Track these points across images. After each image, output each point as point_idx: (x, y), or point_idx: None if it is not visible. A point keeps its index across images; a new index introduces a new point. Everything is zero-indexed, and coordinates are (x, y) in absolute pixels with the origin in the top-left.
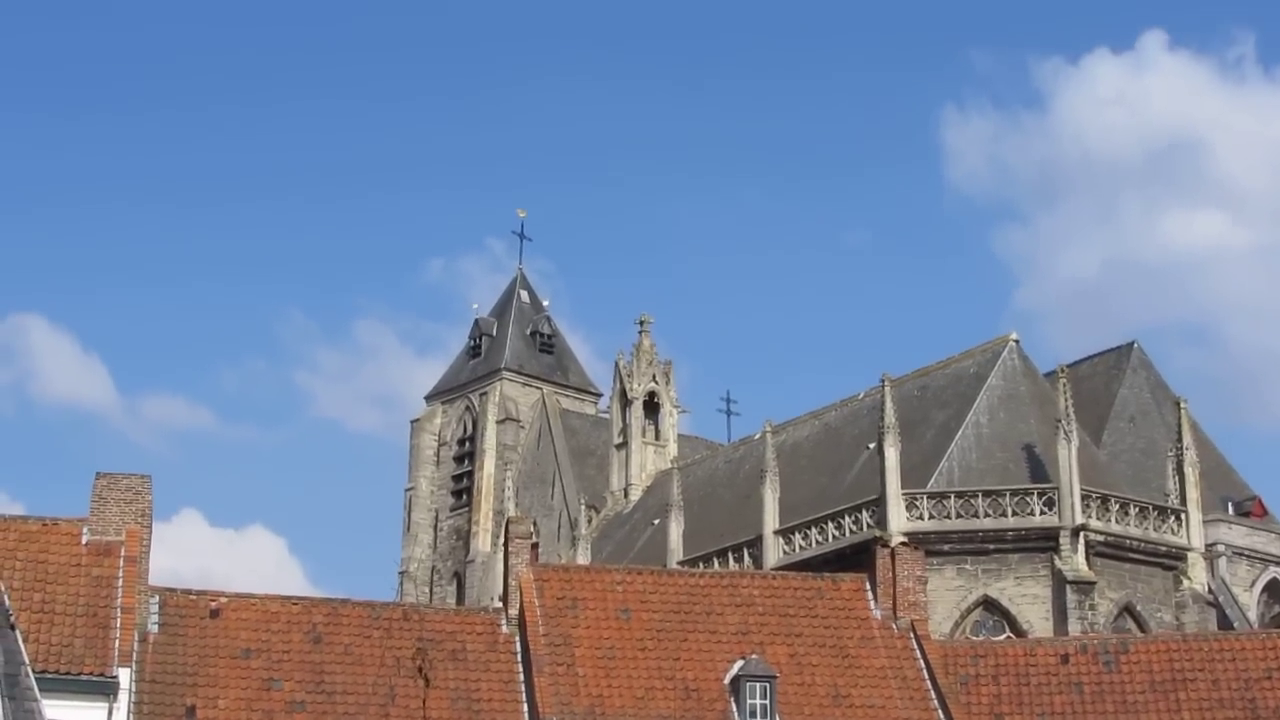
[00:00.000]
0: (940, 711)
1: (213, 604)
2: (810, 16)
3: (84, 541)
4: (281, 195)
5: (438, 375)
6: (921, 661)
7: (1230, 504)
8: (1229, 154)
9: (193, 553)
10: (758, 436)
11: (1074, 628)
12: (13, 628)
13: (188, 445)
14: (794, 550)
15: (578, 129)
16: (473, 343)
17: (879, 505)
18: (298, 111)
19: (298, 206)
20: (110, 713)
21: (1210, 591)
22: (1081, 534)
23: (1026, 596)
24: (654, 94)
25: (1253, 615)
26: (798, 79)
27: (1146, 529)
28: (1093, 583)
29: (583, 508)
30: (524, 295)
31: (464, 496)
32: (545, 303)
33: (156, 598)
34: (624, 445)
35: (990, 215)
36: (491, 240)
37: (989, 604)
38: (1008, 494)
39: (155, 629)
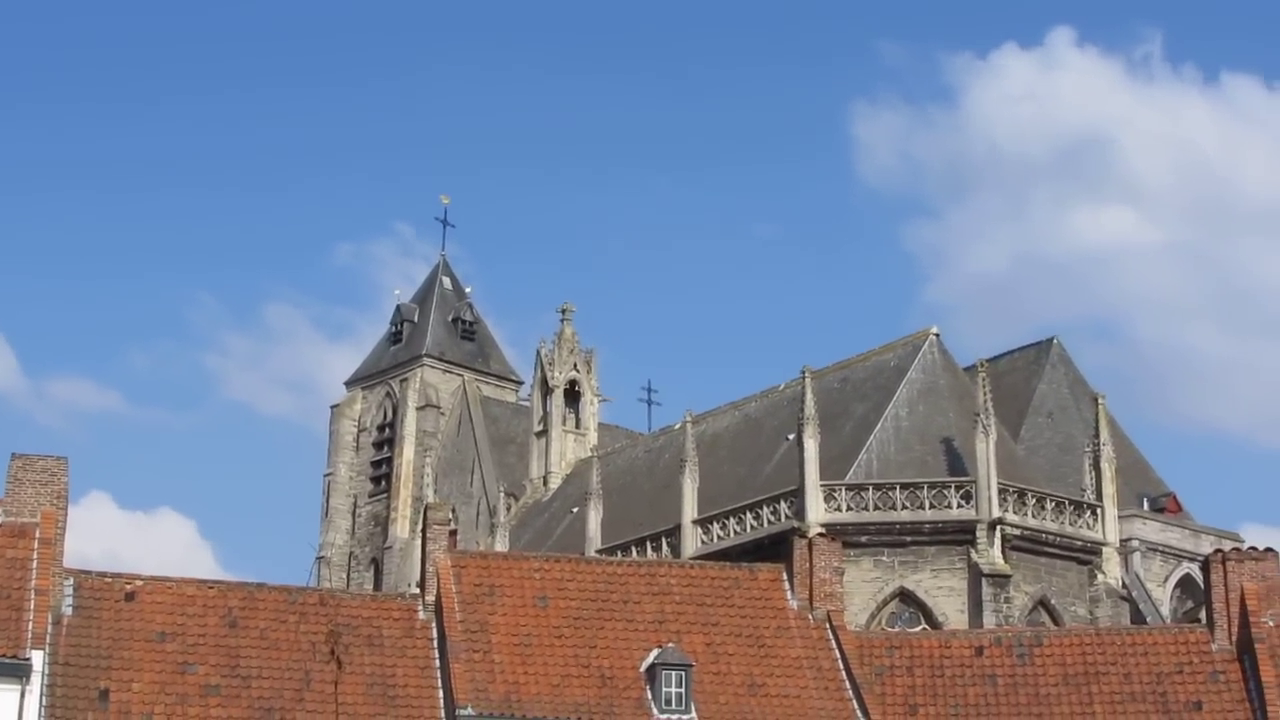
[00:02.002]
0: (855, 702)
1: (128, 587)
2: (723, 8)
3: None
4: (188, 177)
5: (350, 360)
6: (837, 652)
7: (1146, 500)
8: (1136, 151)
9: (101, 535)
10: (678, 426)
11: (989, 620)
12: None
13: (97, 427)
14: (712, 540)
15: (490, 117)
16: (394, 329)
17: (797, 496)
18: (204, 96)
19: (203, 189)
20: (23, 695)
21: (1124, 586)
22: (998, 528)
23: (943, 589)
24: (565, 82)
25: (1166, 610)
26: (712, 69)
27: (1062, 523)
28: (1008, 576)
29: (502, 495)
30: (446, 282)
31: (383, 483)
32: (468, 290)
33: (71, 580)
34: (544, 433)
35: (900, 209)
36: (401, 225)
37: (905, 596)
38: (925, 487)
39: (70, 612)
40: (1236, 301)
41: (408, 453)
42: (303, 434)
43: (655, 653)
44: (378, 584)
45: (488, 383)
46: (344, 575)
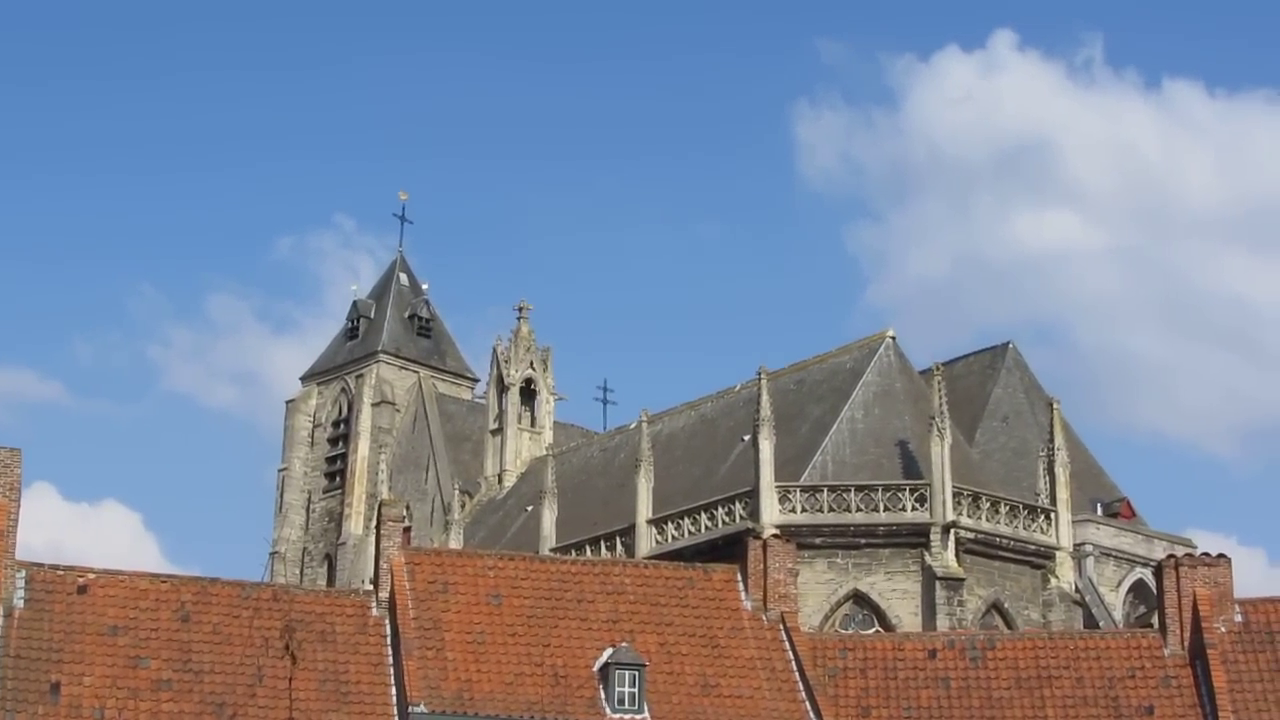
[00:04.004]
0: (808, 703)
1: (80, 580)
2: (665, 4)
3: None
4: (129, 166)
5: (293, 354)
6: (790, 653)
7: (1099, 505)
8: (1078, 155)
9: (46, 526)
10: (633, 426)
11: (942, 623)
12: None
13: (39, 418)
14: (666, 540)
15: (437, 112)
16: (350, 324)
17: (752, 497)
18: (144, 86)
19: (145, 178)
20: None
21: (1077, 591)
22: (952, 531)
23: (896, 591)
24: (509, 77)
25: (1118, 615)
26: (657, 62)
27: (1016, 527)
28: (962, 579)
29: (456, 493)
30: (403, 278)
31: (337, 479)
32: (425, 286)
33: (23, 573)
34: (499, 431)
35: (842, 211)
36: (343, 218)
37: (859, 598)
38: (880, 489)
39: (21, 604)
40: (1179, 307)
41: (363, 449)
42: (247, 427)
43: (609, 652)
44: (331, 580)
45: (444, 380)
46: (298, 570)
